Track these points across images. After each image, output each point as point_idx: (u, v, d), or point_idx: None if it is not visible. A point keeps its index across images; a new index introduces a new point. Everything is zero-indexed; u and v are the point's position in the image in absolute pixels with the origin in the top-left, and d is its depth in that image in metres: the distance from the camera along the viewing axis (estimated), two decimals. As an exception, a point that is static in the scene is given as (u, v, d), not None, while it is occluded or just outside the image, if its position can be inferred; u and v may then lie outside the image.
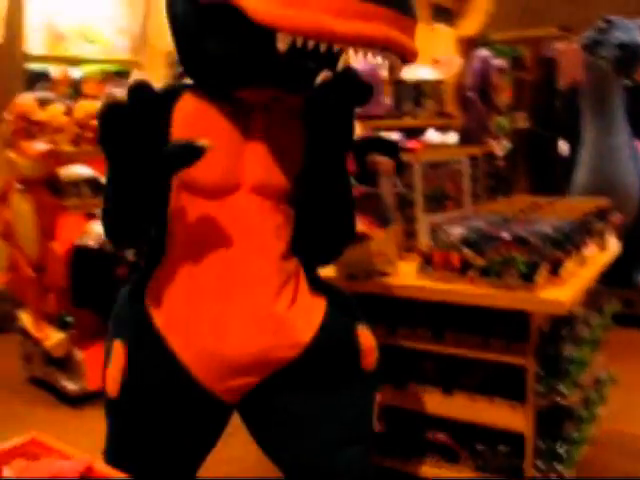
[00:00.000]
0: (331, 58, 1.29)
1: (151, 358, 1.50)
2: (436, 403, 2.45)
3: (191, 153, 1.32)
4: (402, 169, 2.65)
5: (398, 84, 6.96)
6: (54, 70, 5.44)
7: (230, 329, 1.45)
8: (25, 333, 3.72)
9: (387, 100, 7.01)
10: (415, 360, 2.52)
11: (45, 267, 3.44)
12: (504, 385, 2.35)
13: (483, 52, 6.37)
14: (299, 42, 1.23)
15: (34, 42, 5.33)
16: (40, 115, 3.39)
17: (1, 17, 5.20)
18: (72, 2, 5.41)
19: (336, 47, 1.25)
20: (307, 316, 1.53)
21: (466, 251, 2.19)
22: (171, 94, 1.50)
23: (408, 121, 6.85)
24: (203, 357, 1.46)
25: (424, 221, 2.57)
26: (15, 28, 5.20)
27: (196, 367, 1.47)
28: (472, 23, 11.62)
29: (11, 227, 3.67)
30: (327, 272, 2.46)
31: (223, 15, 1.30)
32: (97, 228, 3.29)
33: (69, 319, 3.51)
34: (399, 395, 2.52)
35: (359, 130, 7.08)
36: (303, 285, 1.56)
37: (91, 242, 3.37)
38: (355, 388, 1.58)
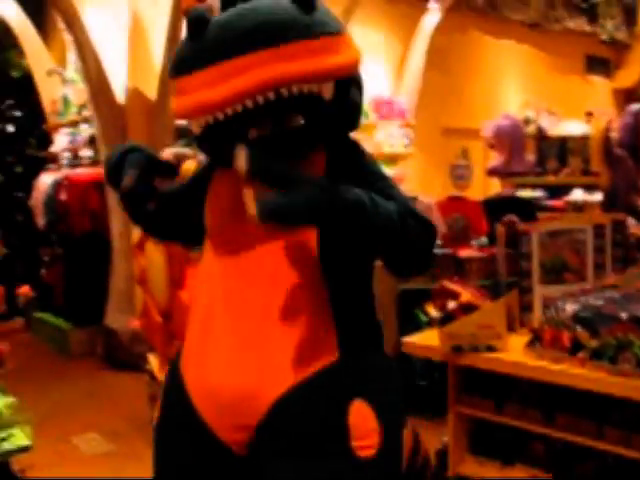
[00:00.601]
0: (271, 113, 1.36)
1: (174, 395, 1.55)
2: (546, 490, 2.28)
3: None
4: (517, 236, 2.55)
5: (542, 140, 6.74)
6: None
7: (220, 364, 1.44)
8: (152, 375, 3.90)
9: (530, 157, 6.81)
10: (525, 438, 2.37)
11: (172, 314, 3.60)
12: (623, 478, 2.14)
13: (635, 106, 6.01)
14: (202, 122, 1.37)
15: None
16: (175, 171, 3.60)
17: (156, 75, 5.65)
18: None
19: (228, 111, 1.33)
20: (295, 367, 1.40)
21: (579, 330, 2.04)
22: (213, 166, 1.62)
23: (552, 179, 6.59)
24: (203, 393, 1.47)
25: (540, 293, 2.43)
26: (168, 85, 5.61)
27: (200, 406, 1.48)
28: (631, 74, 11.09)
29: (145, 274, 3.90)
30: (432, 342, 2.39)
31: None
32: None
33: (191, 366, 3.64)
34: (506, 474, 2.37)
35: (499, 188, 6.91)
36: (312, 337, 1.42)
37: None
38: (341, 474, 1.37)
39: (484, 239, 4.71)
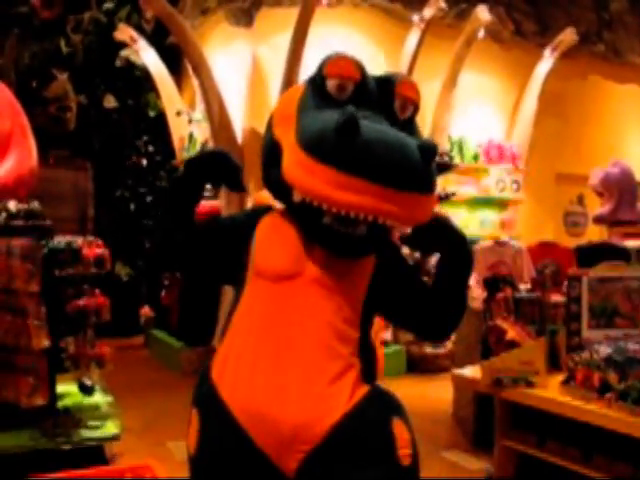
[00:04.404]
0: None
1: (218, 424, 1.71)
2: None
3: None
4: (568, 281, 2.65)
5: (654, 188, 6.58)
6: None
7: (279, 400, 1.63)
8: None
9: (642, 205, 6.65)
10: (565, 475, 2.44)
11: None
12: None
13: None
14: (307, 200, 1.60)
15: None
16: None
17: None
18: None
19: (334, 210, 1.57)
20: (344, 397, 1.64)
21: (608, 372, 2.14)
22: (258, 214, 1.85)
23: (662, 228, 6.39)
24: (260, 423, 1.64)
25: (587, 336, 2.52)
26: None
27: (254, 432, 1.65)
28: None
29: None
30: (474, 374, 2.55)
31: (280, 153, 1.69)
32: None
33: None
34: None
35: (602, 236, 6.77)
36: (353, 371, 1.68)
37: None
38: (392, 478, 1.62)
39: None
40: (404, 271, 1.84)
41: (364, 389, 1.68)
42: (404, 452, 1.64)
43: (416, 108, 1.80)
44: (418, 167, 1.58)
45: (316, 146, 1.59)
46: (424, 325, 1.86)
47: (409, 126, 1.77)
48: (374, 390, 1.70)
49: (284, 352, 1.67)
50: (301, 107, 1.74)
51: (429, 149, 1.60)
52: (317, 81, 1.75)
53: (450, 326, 1.87)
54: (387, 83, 1.77)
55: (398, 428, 1.66)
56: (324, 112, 1.67)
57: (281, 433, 1.62)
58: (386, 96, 1.76)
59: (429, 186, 1.61)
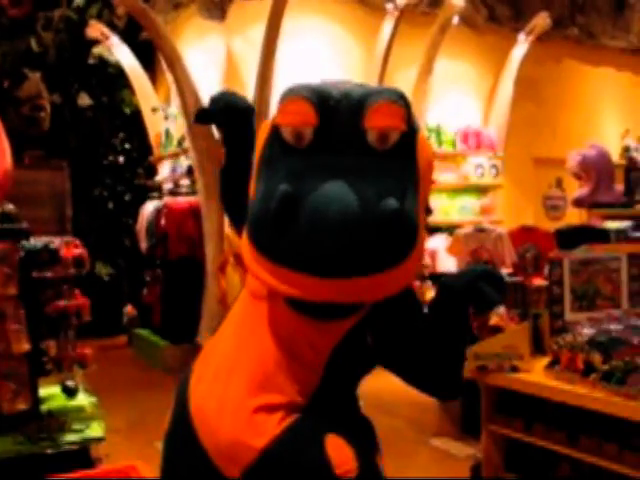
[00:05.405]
0: None
1: (180, 414, 1.74)
2: (570, 510, 2.36)
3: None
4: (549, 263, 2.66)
5: (631, 170, 6.62)
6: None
7: (219, 413, 1.63)
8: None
9: (619, 187, 6.69)
10: (555, 457, 2.46)
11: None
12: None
13: None
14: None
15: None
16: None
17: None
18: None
19: None
20: (272, 423, 1.60)
21: (592, 353, 2.15)
22: None
23: (640, 210, 6.44)
24: (205, 428, 1.65)
25: (570, 318, 2.53)
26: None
27: (202, 434, 1.65)
28: None
29: (226, 295, 4.23)
30: (459, 361, 2.54)
31: None
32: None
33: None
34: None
35: (581, 218, 6.82)
36: (292, 409, 1.63)
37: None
38: None
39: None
40: (401, 321, 1.71)
41: (294, 416, 1.63)
42: (342, 469, 1.56)
43: (403, 132, 1.56)
44: (359, 252, 1.47)
45: (255, 236, 1.57)
46: (429, 380, 1.76)
47: (395, 155, 1.57)
48: (305, 414, 1.65)
49: (235, 367, 1.67)
50: (262, 159, 1.66)
51: (388, 219, 1.47)
52: (273, 129, 1.62)
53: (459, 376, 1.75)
54: (357, 113, 1.55)
55: (332, 447, 1.59)
56: (284, 163, 1.58)
57: (218, 446, 1.63)
58: (356, 130, 1.55)
59: (374, 267, 1.50)
